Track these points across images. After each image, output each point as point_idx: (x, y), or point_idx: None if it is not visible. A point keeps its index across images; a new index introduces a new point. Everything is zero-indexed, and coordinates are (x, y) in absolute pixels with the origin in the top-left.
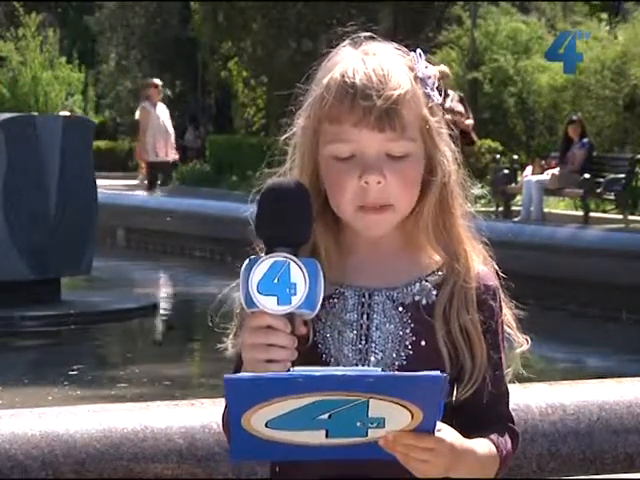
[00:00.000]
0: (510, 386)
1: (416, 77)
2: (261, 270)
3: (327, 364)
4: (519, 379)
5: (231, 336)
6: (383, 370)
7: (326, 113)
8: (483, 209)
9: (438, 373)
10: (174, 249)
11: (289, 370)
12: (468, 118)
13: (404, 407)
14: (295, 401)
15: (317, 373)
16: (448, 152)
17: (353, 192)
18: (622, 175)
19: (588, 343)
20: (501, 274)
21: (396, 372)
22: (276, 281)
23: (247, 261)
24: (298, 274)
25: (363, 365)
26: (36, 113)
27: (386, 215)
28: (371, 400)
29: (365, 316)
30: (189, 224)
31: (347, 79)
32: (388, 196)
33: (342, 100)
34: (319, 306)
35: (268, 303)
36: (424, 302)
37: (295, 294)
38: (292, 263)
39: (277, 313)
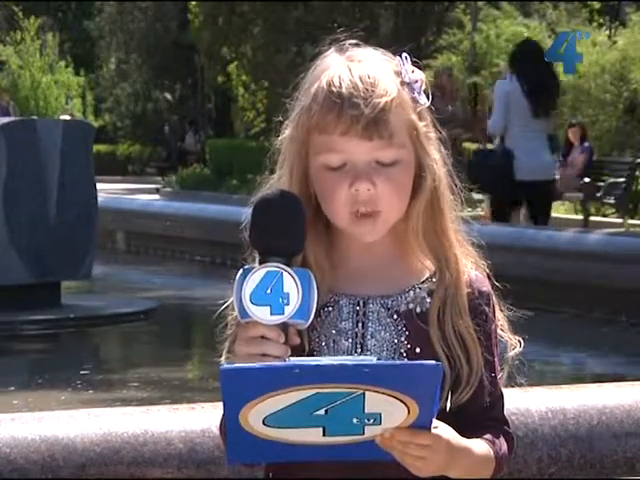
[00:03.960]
0: (510, 390)
1: (403, 82)
2: (254, 280)
3: None
4: (519, 383)
5: (226, 344)
6: (379, 359)
7: (314, 123)
8: (482, 213)
9: (434, 362)
10: (174, 253)
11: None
12: None
13: (400, 401)
14: (292, 394)
15: (313, 363)
16: (437, 156)
17: (345, 200)
18: (622, 179)
19: (588, 347)
20: (500, 277)
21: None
22: (269, 291)
23: (241, 271)
24: (291, 284)
25: None
26: (36, 117)
27: (378, 223)
28: (367, 393)
29: (360, 324)
30: (189, 228)
31: (334, 88)
32: (378, 202)
33: (329, 110)
34: (312, 316)
35: (261, 313)
36: (418, 310)
37: (288, 304)
38: (285, 273)
39: (270, 323)
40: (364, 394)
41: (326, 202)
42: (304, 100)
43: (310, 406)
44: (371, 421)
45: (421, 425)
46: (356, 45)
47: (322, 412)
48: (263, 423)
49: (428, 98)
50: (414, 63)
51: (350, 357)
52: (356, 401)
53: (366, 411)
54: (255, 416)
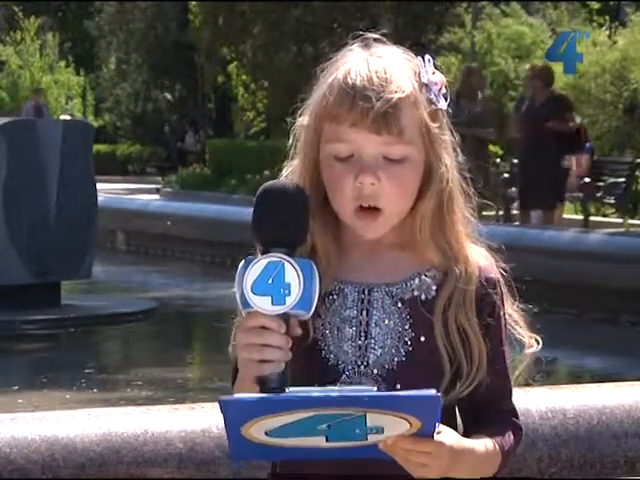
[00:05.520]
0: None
1: (421, 83)
2: (256, 270)
3: (327, 361)
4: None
5: (233, 335)
6: (379, 386)
7: (327, 112)
8: (483, 213)
9: (433, 392)
10: (174, 253)
11: (285, 370)
12: (567, 120)
13: (402, 418)
14: (293, 415)
15: (313, 394)
16: (447, 158)
17: (350, 192)
18: (622, 179)
19: (588, 347)
20: (507, 276)
21: (391, 391)
22: (270, 281)
23: (243, 262)
24: (292, 275)
25: (362, 362)
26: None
27: (379, 220)
28: (368, 414)
29: (364, 312)
30: (189, 228)
31: (349, 79)
32: (380, 198)
33: (342, 100)
34: (314, 307)
35: (262, 303)
36: (423, 297)
37: (289, 294)
38: (287, 264)
39: (271, 313)
40: (365, 415)
41: (332, 192)
42: (320, 90)
43: (312, 423)
44: (374, 431)
45: (424, 434)
46: (380, 41)
47: (324, 426)
48: (265, 434)
49: (446, 100)
50: (436, 66)
51: (349, 387)
52: (357, 419)
53: (368, 425)
54: (257, 430)
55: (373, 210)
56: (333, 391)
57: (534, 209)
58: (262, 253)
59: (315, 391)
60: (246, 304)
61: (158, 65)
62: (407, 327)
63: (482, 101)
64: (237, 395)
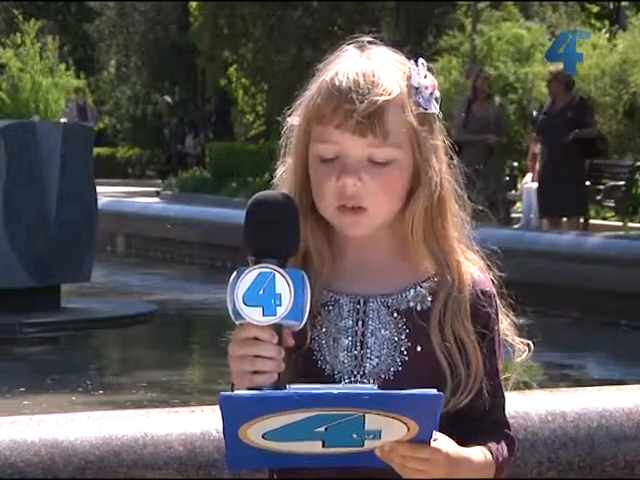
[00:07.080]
0: (510, 393)
1: (411, 86)
2: (247, 282)
3: (323, 371)
4: (519, 386)
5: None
6: (379, 387)
7: (314, 113)
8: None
9: (435, 392)
10: (174, 256)
11: (278, 380)
12: (592, 124)
13: (400, 421)
14: (292, 416)
15: (314, 391)
16: (437, 162)
17: (331, 193)
18: (622, 182)
19: (588, 350)
20: (500, 282)
21: (392, 390)
22: (261, 292)
23: (235, 272)
24: (283, 285)
25: (359, 372)
26: (36, 119)
27: (362, 217)
28: (367, 415)
29: (360, 322)
30: (189, 231)
31: (335, 81)
32: (363, 198)
33: (328, 101)
34: (306, 317)
35: (254, 314)
36: (419, 308)
37: (280, 305)
38: (277, 274)
39: (263, 324)
40: (364, 416)
41: (315, 192)
42: (311, 90)
43: (310, 424)
44: (371, 436)
45: (421, 440)
46: (374, 44)
47: (322, 429)
48: (262, 437)
49: (438, 103)
50: (429, 70)
51: (350, 385)
52: (356, 421)
53: (366, 428)
54: (254, 432)
55: (357, 209)
56: (334, 388)
57: (561, 216)
58: (254, 264)
59: (316, 388)
60: (238, 315)
61: (158, 68)
62: (403, 337)
63: (495, 106)
64: (237, 391)
